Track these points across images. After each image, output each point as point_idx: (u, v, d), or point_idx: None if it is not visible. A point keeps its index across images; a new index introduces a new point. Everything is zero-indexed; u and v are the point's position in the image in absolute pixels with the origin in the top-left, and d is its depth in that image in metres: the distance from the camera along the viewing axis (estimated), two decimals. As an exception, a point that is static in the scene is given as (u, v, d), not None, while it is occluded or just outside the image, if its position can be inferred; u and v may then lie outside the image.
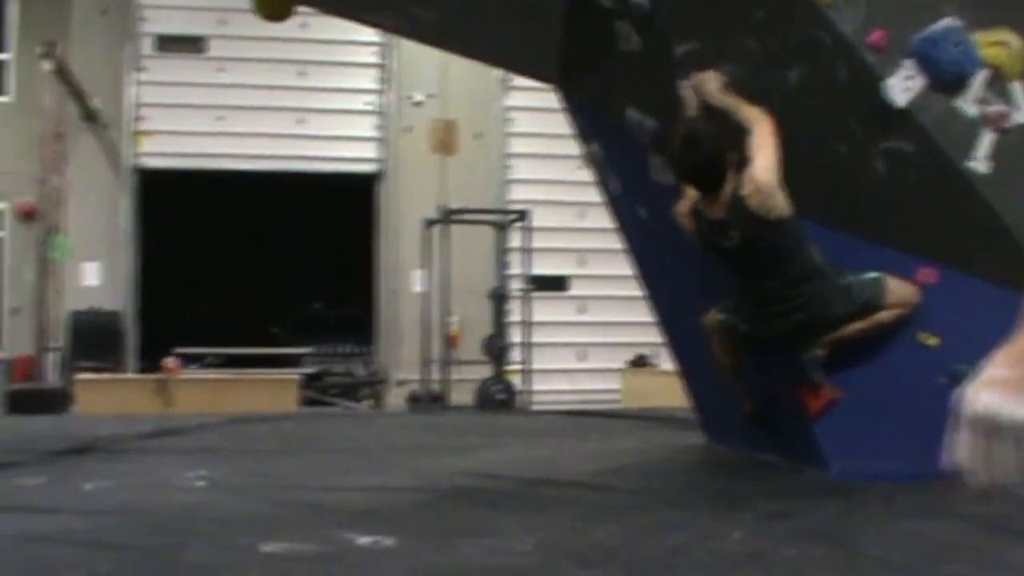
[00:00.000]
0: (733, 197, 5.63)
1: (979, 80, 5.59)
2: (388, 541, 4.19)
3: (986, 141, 5.60)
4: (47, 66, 15.52)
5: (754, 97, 5.67)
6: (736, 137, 5.62)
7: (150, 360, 16.63)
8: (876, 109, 5.53)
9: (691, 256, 6.15)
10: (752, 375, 6.27)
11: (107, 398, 13.85)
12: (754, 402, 6.38)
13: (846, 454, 5.85)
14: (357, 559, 3.91)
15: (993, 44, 5.58)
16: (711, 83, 5.70)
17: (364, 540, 4.21)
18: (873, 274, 5.73)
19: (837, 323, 5.75)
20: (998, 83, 5.63)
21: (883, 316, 5.74)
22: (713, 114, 5.76)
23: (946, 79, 5.56)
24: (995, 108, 5.61)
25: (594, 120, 7.35)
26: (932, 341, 5.78)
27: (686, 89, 5.80)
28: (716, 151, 5.65)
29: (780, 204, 5.57)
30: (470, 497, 5.44)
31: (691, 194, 5.89)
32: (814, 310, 5.72)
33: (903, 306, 5.75)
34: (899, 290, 5.73)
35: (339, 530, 4.42)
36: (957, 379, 5.60)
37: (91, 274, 17.48)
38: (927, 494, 5.19)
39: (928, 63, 5.52)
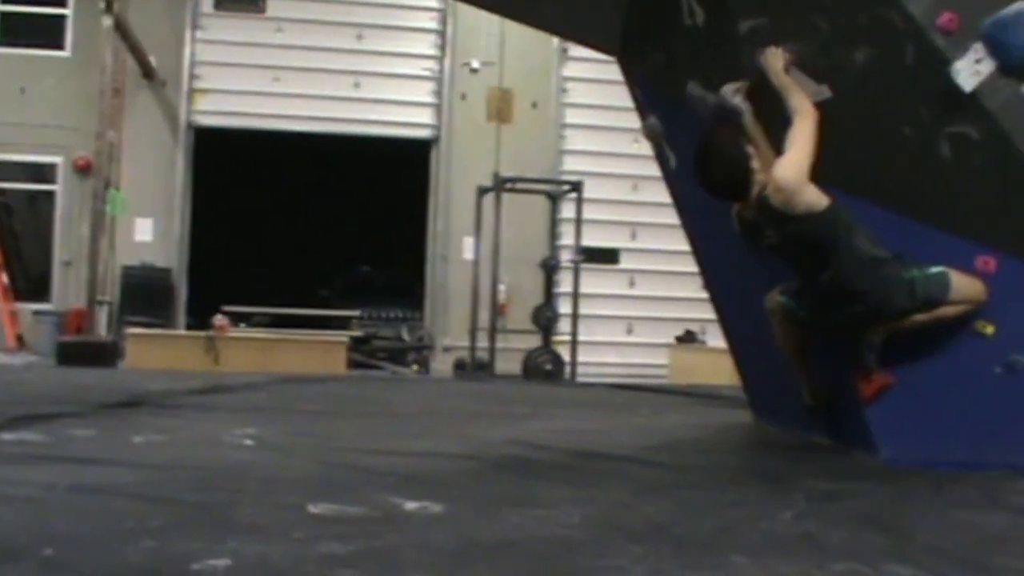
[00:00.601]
0: (760, 197, 5.60)
1: (1050, 67, 5.50)
2: (436, 507, 4.20)
3: (1053, 129, 5.52)
4: (106, 22, 15.58)
5: (820, 76, 5.62)
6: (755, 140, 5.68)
7: (199, 317, 16.75)
8: (943, 93, 5.45)
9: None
10: (817, 364, 6.21)
11: (156, 353, 13.98)
12: (817, 393, 6.30)
13: (897, 439, 5.80)
14: (404, 524, 3.91)
15: (1065, 31, 5.48)
16: (776, 60, 5.64)
17: (411, 505, 4.22)
18: (938, 268, 5.60)
19: (897, 316, 5.67)
20: (1068, 70, 5.54)
21: (946, 311, 5.66)
22: (729, 124, 5.76)
23: (1015, 65, 5.46)
24: (1064, 96, 5.52)
25: (654, 93, 7.30)
26: (989, 330, 5.71)
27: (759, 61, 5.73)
28: (733, 164, 5.62)
29: (806, 200, 5.51)
30: (518, 467, 5.44)
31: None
32: (872, 302, 5.65)
33: (968, 303, 5.66)
34: (964, 287, 5.62)
35: (387, 494, 4.43)
36: (1013, 369, 5.61)
37: (144, 230, 17.61)
38: (978, 484, 5.15)
39: (997, 48, 5.43)
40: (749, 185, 5.64)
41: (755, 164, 5.61)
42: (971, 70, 5.41)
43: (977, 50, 5.42)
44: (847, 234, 5.60)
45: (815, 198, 5.52)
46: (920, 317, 5.64)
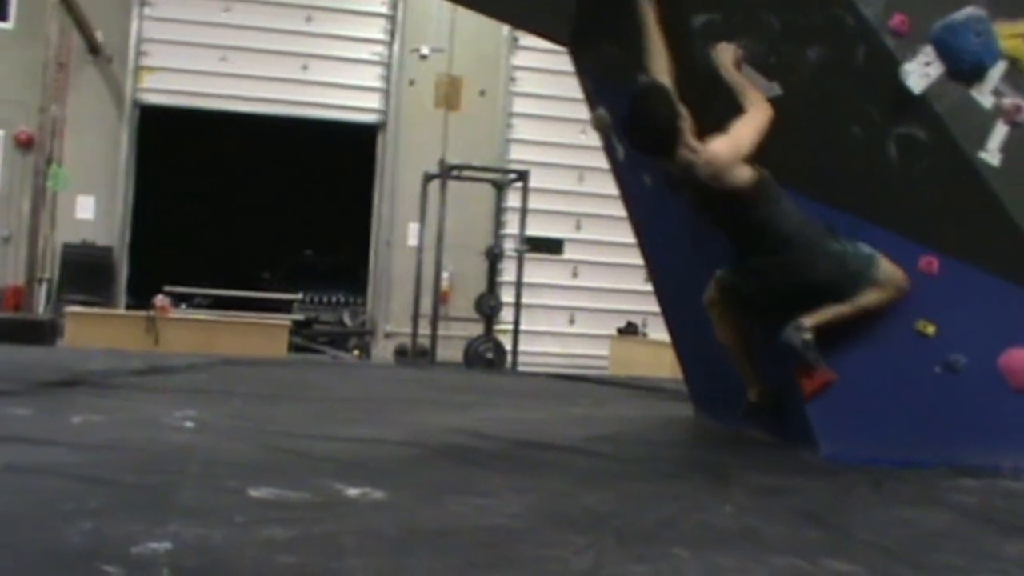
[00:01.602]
0: (686, 164, 5.60)
1: (997, 72, 5.57)
2: (377, 494, 4.19)
3: (999, 133, 5.59)
4: (52, -4, 15.40)
5: (771, 73, 5.65)
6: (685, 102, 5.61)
7: (140, 297, 16.61)
8: (892, 94, 5.51)
9: (694, 227, 6.13)
10: (761, 356, 6.24)
11: (96, 332, 13.85)
12: (762, 391, 6.31)
13: (837, 436, 5.85)
14: (346, 510, 3.90)
15: (1015, 36, 5.56)
16: (727, 56, 5.66)
17: (353, 491, 4.21)
18: (868, 249, 5.68)
19: (824, 287, 5.70)
20: (1016, 76, 5.61)
21: (870, 300, 5.70)
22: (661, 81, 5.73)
23: (964, 69, 5.54)
24: (1011, 101, 5.59)
25: (604, 84, 7.30)
26: (930, 330, 5.77)
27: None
28: (662, 122, 5.57)
29: (731, 181, 5.54)
30: (460, 455, 5.43)
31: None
32: (800, 270, 5.71)
33: (892, 290, 5.71)
34: (891, 272, 5.69)
35: (328, 480, 4.42)
36: (953, 368, 5.68)
37: (86, 207, 17.42)
38: (917, 482, 5.20)
39: (947, 51, 5.50)
40: (673, 145, 5.59)
41: (685, 125, 5.58)
42: (921, 72, 5.47)
43: (927, 53, 5.49)
44: (775, 207, 5.64)
45: (741, 179, 5.55)
46: (844, 309, 5.69)
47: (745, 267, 5.92)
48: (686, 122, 5.59)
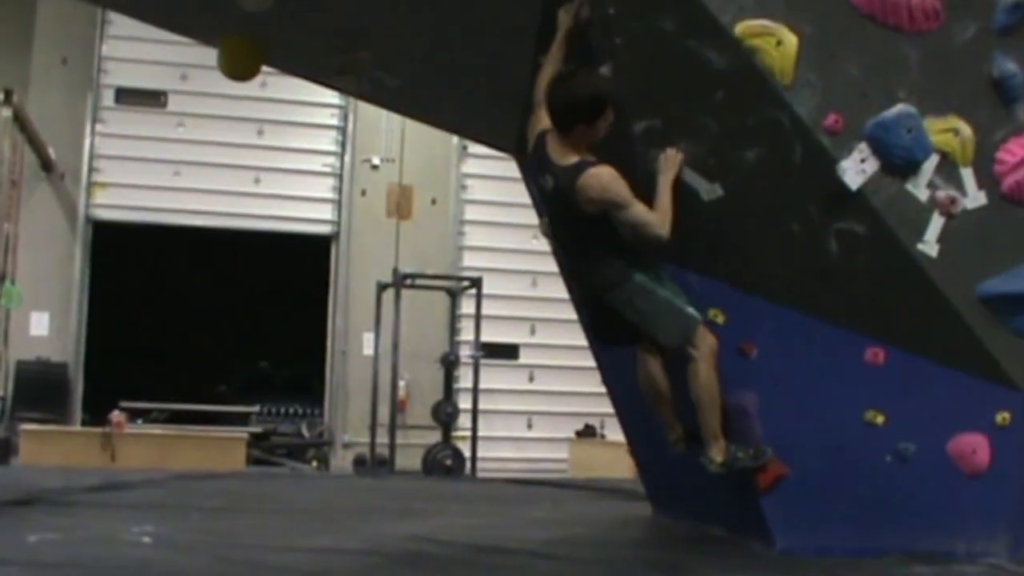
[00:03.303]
0: (567, 166, 5.69)
1: (930, 165, 5.73)
2: (337, 602, 4.20)
3: (936, 225, 5.74)
4: (4, 113, 15.45)
5: (712, 175, 5.78)
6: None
7: (96, 413, 16.48)
8: (830, 190, 5.65)
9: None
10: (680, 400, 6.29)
11: (51, 450, 13.73)
12: (676, 428, 6.28)
13: (792, 529, 5.92)
14: (305, 619, 3.91)
15: (944, 131, 5.73)
16: (670, 165, 5.76)
17: (312, 601, 4.22)
18: (690, 310, 5.75)
19: (640, 319, 5.81)
20: (948, 169, 5.77)
21: (703, 374, 5.78)
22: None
23: (898, 164, 5.70)
24: (945, 193, 5.75)
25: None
26: (879, 419, 5.86)
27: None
28: (579, 106, 5.67)
29: (592, 206, 5.63)
30: (419, 563, 5.44)
31: (546, 120, 5.91)
32: (590, 287, 5.94)
33: (709, 353, 5.77)
34: (704, 336, 5.79)
35: (287, 590, 4.42)
36: (903, 456, 5.77)
37: (40, 324, 17.32)
38: (871, 570, 5.26)
39: (881, 147, 5.65)
40: (571, 128, 5.70)
41: (593, 129, 5.70)
42: (857, 169, 5.62)
43: (862, 150, 5.65)
44: (617, 244, 5.75)
45: (596, 208, 5.64)
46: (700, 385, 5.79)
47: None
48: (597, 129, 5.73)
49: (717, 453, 5.88)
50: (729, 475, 5.91)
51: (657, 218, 5.63)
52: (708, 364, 5.79)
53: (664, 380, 6.13)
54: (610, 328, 6.12)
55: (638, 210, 5.62)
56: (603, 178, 5.60)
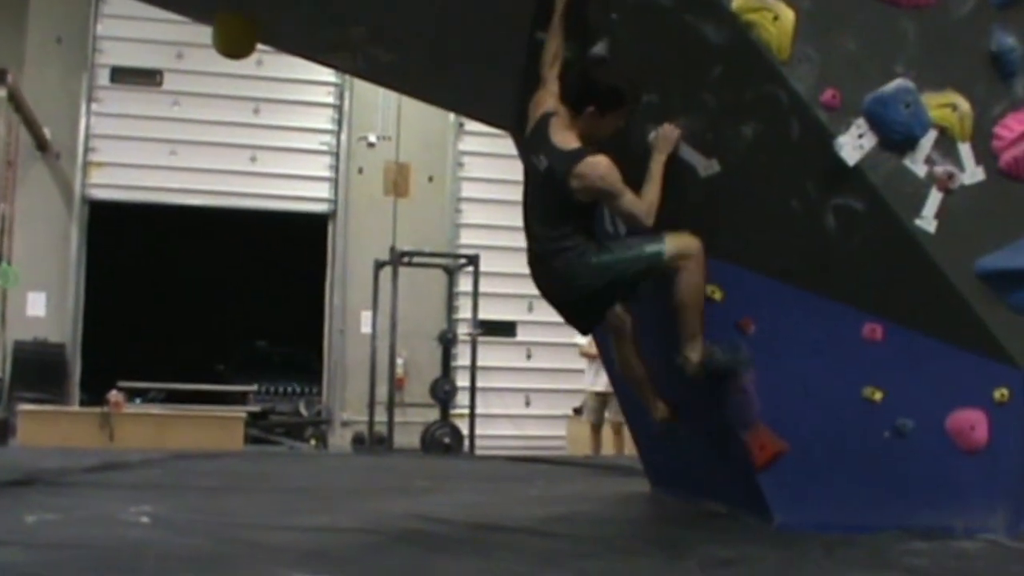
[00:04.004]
0: (565, 151, 5.71)
1: (928, 141, 5.70)
2: (335, 582, 4.20)
3: (934, 200, 5.71)
4: (0, 92, 15.43)
5: (709, 150, 5.77)
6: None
7: (94, 393, 16.48)
8: (827, 166, 5.63)
9: (642, 304, 6.21)
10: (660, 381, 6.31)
11: (49, 430, 13.73)
12: (660, 407, 6.35)
13: (790, 505, 5.92)
14: (304, 599, 3.91)
15: (942, 106, 5.69)
16: (666, 144, 5.76)
17: (310, 580, 4.21)
18: (651, 248, 5.77)
19: (591, 294, 5.91)
20: (946, 144, 5.75)
21: (693, 279, 5.80)
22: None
23: (896, 139, 5.67)
24: (943, 168, 5.72)
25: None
26: (877, 396, 5.85)
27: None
28: (599, 90, 5.74)
29: (585, 195, 5.68)
30: (417, 541, 5.44)
31: (554, 101, 5.95)
32: (561, 276, 5.97)
33: (689, 258, 5.79)
34: (687, 244, 5.79)
35: (285, 570, 4.42)
36: (901, 433, 5.76)
37: (36, 304, 17.32)
38: (869, 546, 5.26)
39: (878, 123, 5.63)
40: (581, 110, 5.75)
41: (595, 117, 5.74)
42: (854, 144, 5.59)
43: (860, 125, 5.62)
44: (588, 226, 5.85)
45: (586, 197, 5.70)
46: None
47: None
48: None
49: (694, 352, 5.89)
50: (707, 374, 5.91)
51: (644, 209, 5.68)
52: (698, 266, 5.82)
53: (639, 365, 6.24)
54: (582, 314, 6.25)
55: (628, 200, 5.67)
56: (601, 168, 5.64)
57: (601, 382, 13.14)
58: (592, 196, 5.71)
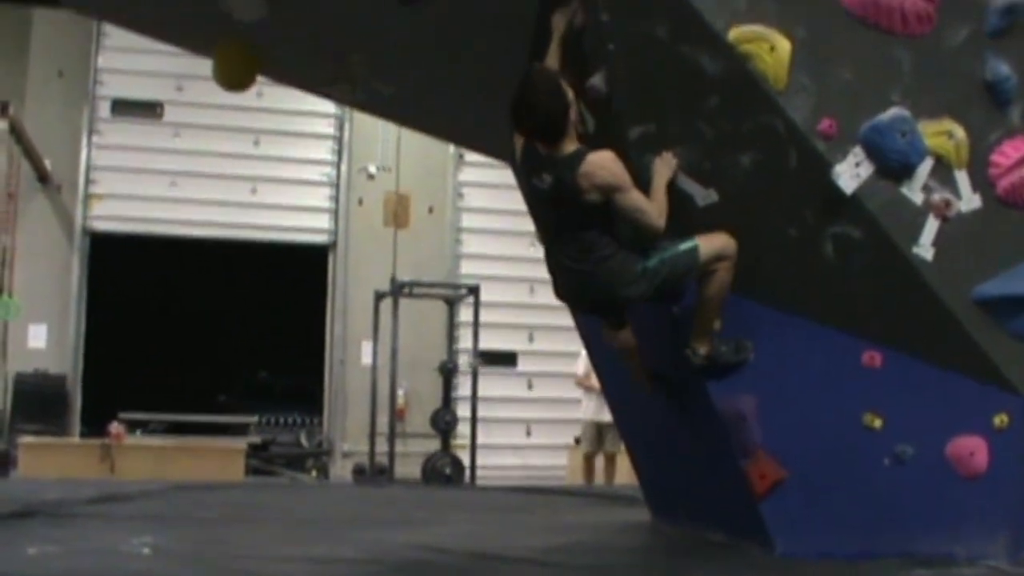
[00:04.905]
0: (565, 156, 5.65)
1: (925, 169, 5.74)
2: (336, 611, 4.20)
3: (931, 228, 5.75)
4: (1, 125, 15.46)
5: (707, 180, 5.79)
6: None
7: (95, 425, 16.47)
8: (825, 194, 5.67)
9: (641, 335, 6.23)
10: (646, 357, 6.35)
11: (50, 462, 13.73)
12: (650, 375, 6.39)
13: (791, 533, 5.92)
14: (305, 629, 3.91)
15: (938, 134, 5.74)
16: (665, 169, 5.77)
17: (312, 610, 4.22)
18: (685, 246, 5.72)
19: (638, 297, 5.82)
20: (943, 172, 5.78)
21: (724, 278, 5.77)
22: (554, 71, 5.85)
23: (892, 167, 5.71)
24: (940, 196, 5.76)
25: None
26: (877, 423, 5.88)
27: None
28: (551, 113, 5.62)
29: (596, 193, 5.61)
30: (418, 571, 5.45)
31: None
32: (598, 286, 5.81)
33: (723, 257, 5.76)
34: (712, 246, 5.75)
35: (286, 600, 4.42)
36: (901, 459, 5.78)
37: (37, 336, 17.31)
38: (871, 573, 5.26)
39: (875, 151, 5.67)
40: (560, 134, 5.65)
41: (572, 114, 5.68)
42: (851, 173, 5.64)
43: (856, 154, 5.67)
44: (612, 233, 5.74)
45: (599, 197, 5.62)
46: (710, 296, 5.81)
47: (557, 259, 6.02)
48: (573, 111, 5.69)
49: (703, 345, 5.89)
50: (711, 369, 5.92)
51: (655, 208, 5.64)
52: (733, 265, 5.78)
53: (631, 337, 6.25)
54: (619, 312, 6.17)
55: (637, 195, 5.63)
56: (606, 160, 5.60)
57: (598, 411, 13.20)
58: (603, 193, 5.59)
